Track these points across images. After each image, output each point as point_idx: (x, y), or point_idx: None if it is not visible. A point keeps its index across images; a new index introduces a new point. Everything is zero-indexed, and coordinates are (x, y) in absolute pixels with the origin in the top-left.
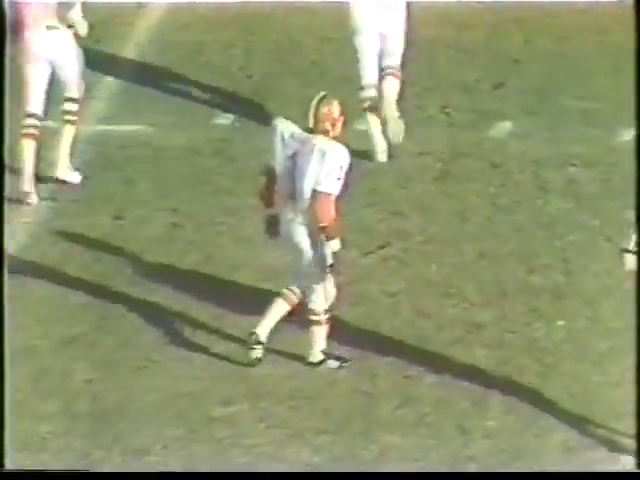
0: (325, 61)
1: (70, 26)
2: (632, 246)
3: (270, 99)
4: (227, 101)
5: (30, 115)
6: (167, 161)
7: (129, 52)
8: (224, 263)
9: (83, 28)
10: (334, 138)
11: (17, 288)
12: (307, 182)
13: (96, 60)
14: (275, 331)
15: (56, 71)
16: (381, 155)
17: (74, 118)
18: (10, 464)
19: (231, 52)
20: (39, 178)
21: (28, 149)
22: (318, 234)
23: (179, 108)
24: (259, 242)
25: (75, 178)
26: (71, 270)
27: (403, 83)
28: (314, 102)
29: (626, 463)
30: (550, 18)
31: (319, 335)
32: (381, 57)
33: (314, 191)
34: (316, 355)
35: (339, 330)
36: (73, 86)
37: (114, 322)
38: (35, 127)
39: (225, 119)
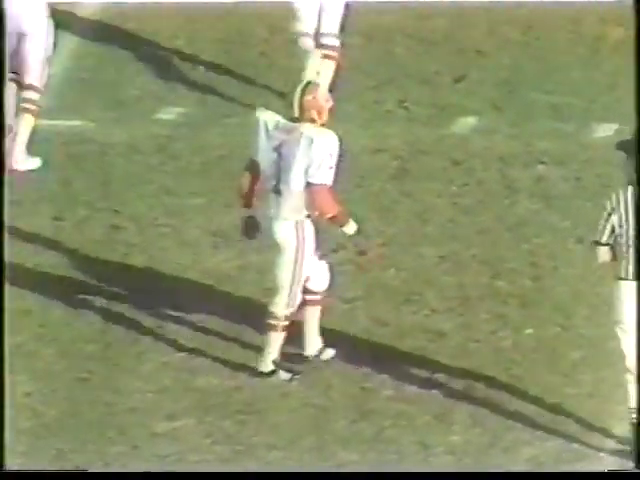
0: (274, 53)
1: None
2: (604, 239)
3: (216, 92)
4: (170, 94)
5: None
6: (108, 159)
7: (69, 42)
8: (168, 266)
9: None
10: (322, 126)
11: None
12: (294, 173)
13: None
14: (223, 339)
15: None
16: None
17: (33, 107)
18: None
19: (175, 42)
20: None
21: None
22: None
23: (119, 102)
24: (204, 245)
25: (34, 163)
26: (7, 274)
27: (359, 75)
28: (298, 90)
29: None
30: (517, 6)
31: (274, 342)
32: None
33: (308, 184)
34: (267, 364)
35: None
36: (36, 72)
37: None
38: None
39: (168, 114)
